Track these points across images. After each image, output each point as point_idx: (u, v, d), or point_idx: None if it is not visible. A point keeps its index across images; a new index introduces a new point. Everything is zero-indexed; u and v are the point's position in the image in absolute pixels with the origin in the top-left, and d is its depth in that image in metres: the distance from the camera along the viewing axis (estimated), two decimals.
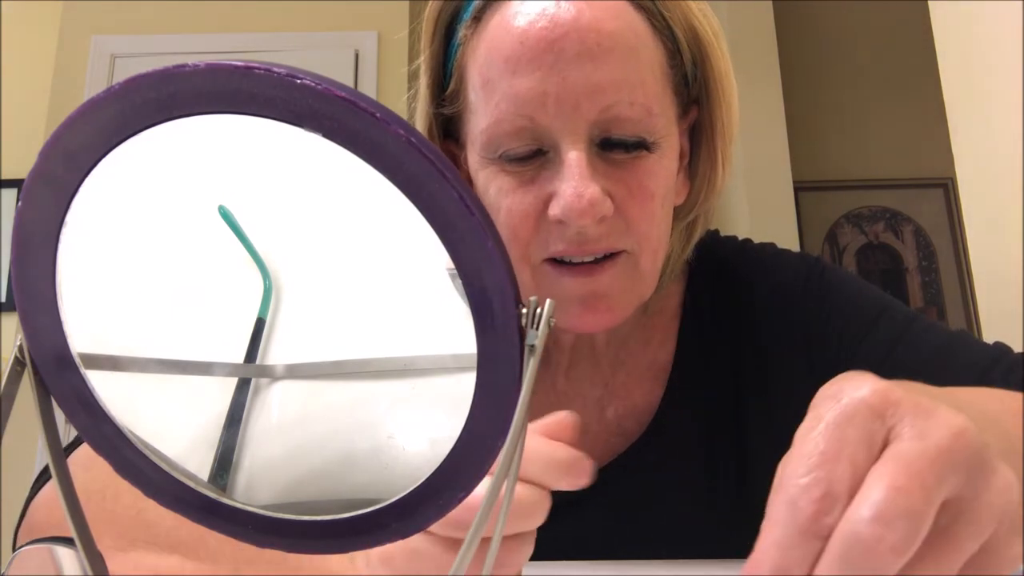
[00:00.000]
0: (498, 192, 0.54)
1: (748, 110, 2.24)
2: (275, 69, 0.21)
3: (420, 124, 0.61)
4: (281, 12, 2.65)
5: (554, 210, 0.50)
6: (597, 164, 0.52)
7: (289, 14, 2.64)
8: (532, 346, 0.23)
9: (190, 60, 0.21)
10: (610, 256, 0.53)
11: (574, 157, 0.50)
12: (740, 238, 0.71)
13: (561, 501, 0.38)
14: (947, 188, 3.03)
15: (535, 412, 0.63)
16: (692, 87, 0.58)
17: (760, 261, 0.67)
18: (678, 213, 0.61)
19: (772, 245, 0.70)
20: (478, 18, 0.55)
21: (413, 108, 0.62)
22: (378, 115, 0.21)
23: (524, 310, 0.23)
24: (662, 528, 0.60)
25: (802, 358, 0.62)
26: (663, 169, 0.54)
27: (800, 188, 2.77)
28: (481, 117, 0.54)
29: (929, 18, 1.49)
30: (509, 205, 0.53)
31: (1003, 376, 0.55)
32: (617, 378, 0.64)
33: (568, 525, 0.49)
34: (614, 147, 0.52)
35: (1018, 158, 1.24)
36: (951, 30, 1.44)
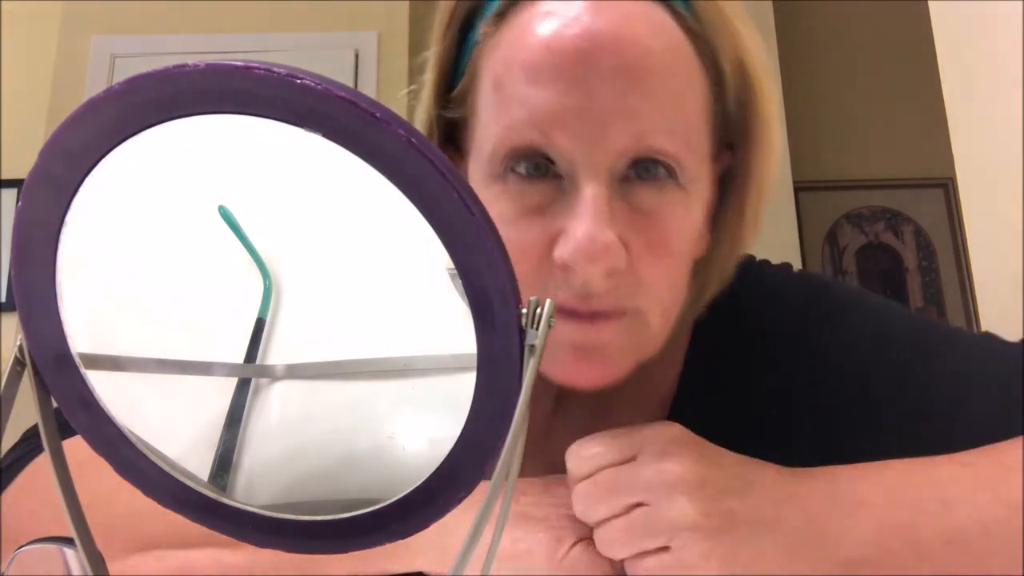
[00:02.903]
0: (499, 219, 0.42)
1: None
2: (275, 69, 0.21)
3: (419, 124, 0.54)
4: (281, 12, 2.65)
5: (561, 252, 0.43)
6: (617, 205, 0.44)
7: (289, 14, 2.64)
8: (532, 346, 0.23)
9: (190, 60, 0.21)
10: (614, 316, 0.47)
11: (592, 193, 0.43)
12: (743, 257, 0.64)
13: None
14: (947, 188, 3.03)
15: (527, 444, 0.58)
16: (729, 129, 0.51)
17: (761, 286, 0.61)
18: (694, 267, 0.53)
19: (776, 268, 0.64)
20: (502, 15, 0.48)
21: (412, 106, 0.56)
22: (378, 115, 0.21)
23: (524, 310, 0.23)
24: None
25: (809, 390, 0.57)
26: (689, 220, 0.47)
27: (800, 188, 2.77)
28: (490, 126, 0.47)
29: (929, 18, 1.49)
30: (509, 236, 0.44)
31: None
32: (613, 408, 0.58)
33: None
34: (640, 185, 0.45)
35: (1018, 158, 1.24)
36: (951, 30, 1.44)
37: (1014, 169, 1.24)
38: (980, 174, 1.38)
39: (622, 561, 0.42)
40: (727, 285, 0.57)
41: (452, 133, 0.53)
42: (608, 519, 0.41)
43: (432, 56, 0.52)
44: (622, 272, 0.44)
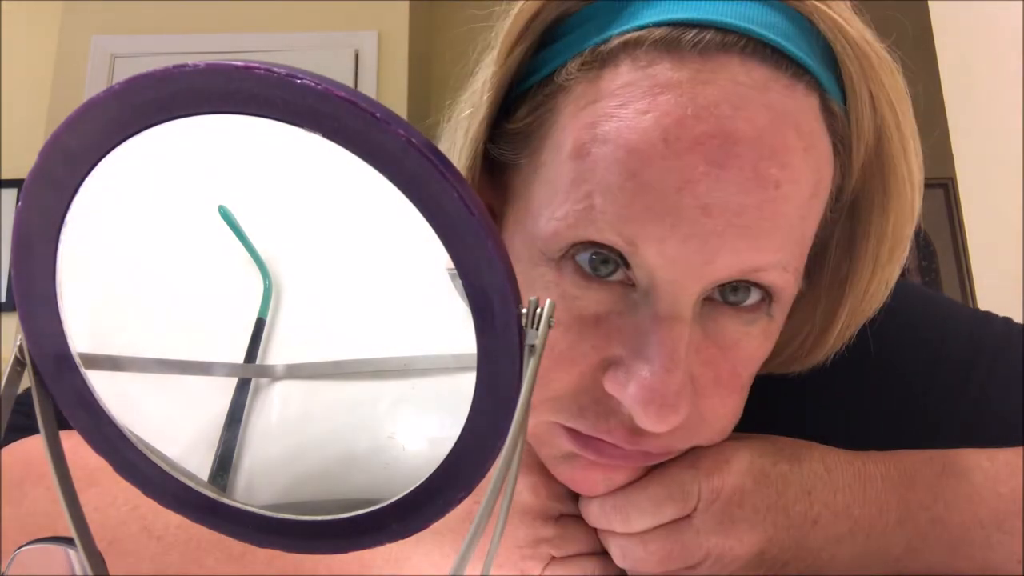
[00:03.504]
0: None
1: None
2: (275, 69, 0.21)
3: (463, 152, 0.41)
4: (281, 12, 2.65)
5: (616, 390, 0.35)
6: (694, 333, 0.36)
7: (289, 14, 2.64)
8: (532, 346, 0.23)
9: (190, 60, 0.21)
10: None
11: (674, 335, 0.34)
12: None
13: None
14: (947, 188, 3.03)
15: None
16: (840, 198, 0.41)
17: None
18: None
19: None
20: (603, 60, 0.36)
21: (451, 126, 0.44)
22: (378, 115, 0.21)
23: (524, 310, 0.23)
24: None
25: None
26: (766, 347, 0.39)
27: None
28: (558, 200, 0.36)
29: (929, 18, 1.49)
30: (551, 343, 0.35)
31: None
32: None
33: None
34: (725, 313, 0.36)
35: (1018, 158, 1.24)
36: (951, 30, 1.44)
37: (1014, 169, 1.24)
38: (980, 174, 1.38)
39: None
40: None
41: (494, 169, 0.42)
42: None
43: (491, 73, 0.39)
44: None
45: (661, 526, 0.39)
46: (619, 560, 0.40)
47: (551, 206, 0.36)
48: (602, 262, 0.36)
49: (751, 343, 0.37)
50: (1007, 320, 0.54)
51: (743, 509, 0.38)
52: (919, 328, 0.50)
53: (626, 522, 0.39)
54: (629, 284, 0.36)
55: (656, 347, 0.34)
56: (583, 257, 0.36)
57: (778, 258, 0.35)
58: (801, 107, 0.35)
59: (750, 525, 0.38)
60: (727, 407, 0.38)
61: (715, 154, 0.33)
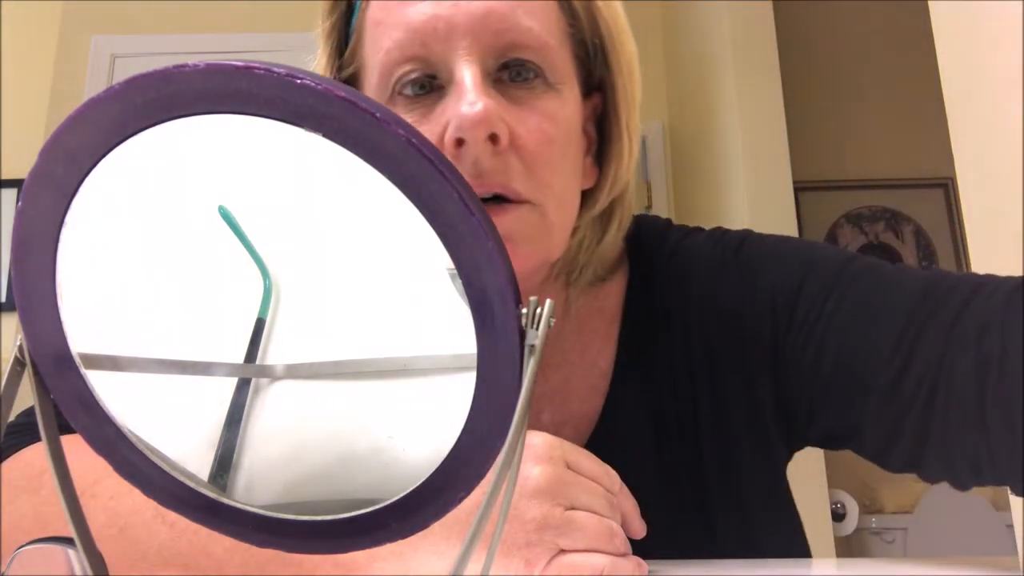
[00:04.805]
0: None
1: (748, 110, 2.24)
2: (275, 69, 0.21)
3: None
4: (281, 12, 2.65)
5: (450, 131, 0.48)
6: (493, 93, 0.50)
7: (289, 14, 2.64)
8: (532, 346, 0.23)
9: (190, 60, 0.21)
10: (513, 203, 0.51)
11: (467, 74, 0.49)
12: (662, 220, 0.69)
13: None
14: (947, 188, 3.03)
15: None
16: (594, 70, 0.58)
17: (682, 250, 0.64)
18: (588, 201, 0.59)
19: (690, 230, 0.67)
20: None
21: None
22: (378, 115, 0.21)
23: (524, 310, 0.23)
24: None
25: (742, 345, 0.59)
26: (564, 115, 0.53)
27: (800, 188, 2.77)
28: (374, 57, 0.53)
29: (929, 18, 1.49)
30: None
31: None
32: (552, 382, 0.61)
33: None
34: (512, 85, 0.51)
35: (1018, 158, 1.24)
36: (951, 30, 1.44)
37: (1014, 169, 1.24)
38: (980, 174, 1.38)
39: None
40: (647, 256, 0.63)
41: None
42: None
43: (321, 31, 0.58)
44: (508, 154, 0.49)
45: None
46: None
47: (372, 63, 0.53)
48: (420, 87, 0.51)
49: (545, 104, 0.52)
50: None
51: None
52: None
53: None
54: (441, 89, 0.51)
55: (460, 89, 0.49)
56: (407, 91, 0.52)
57: (515, 21, 0.50)
58: None
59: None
60: (544, 157, 0.51)
61: None
